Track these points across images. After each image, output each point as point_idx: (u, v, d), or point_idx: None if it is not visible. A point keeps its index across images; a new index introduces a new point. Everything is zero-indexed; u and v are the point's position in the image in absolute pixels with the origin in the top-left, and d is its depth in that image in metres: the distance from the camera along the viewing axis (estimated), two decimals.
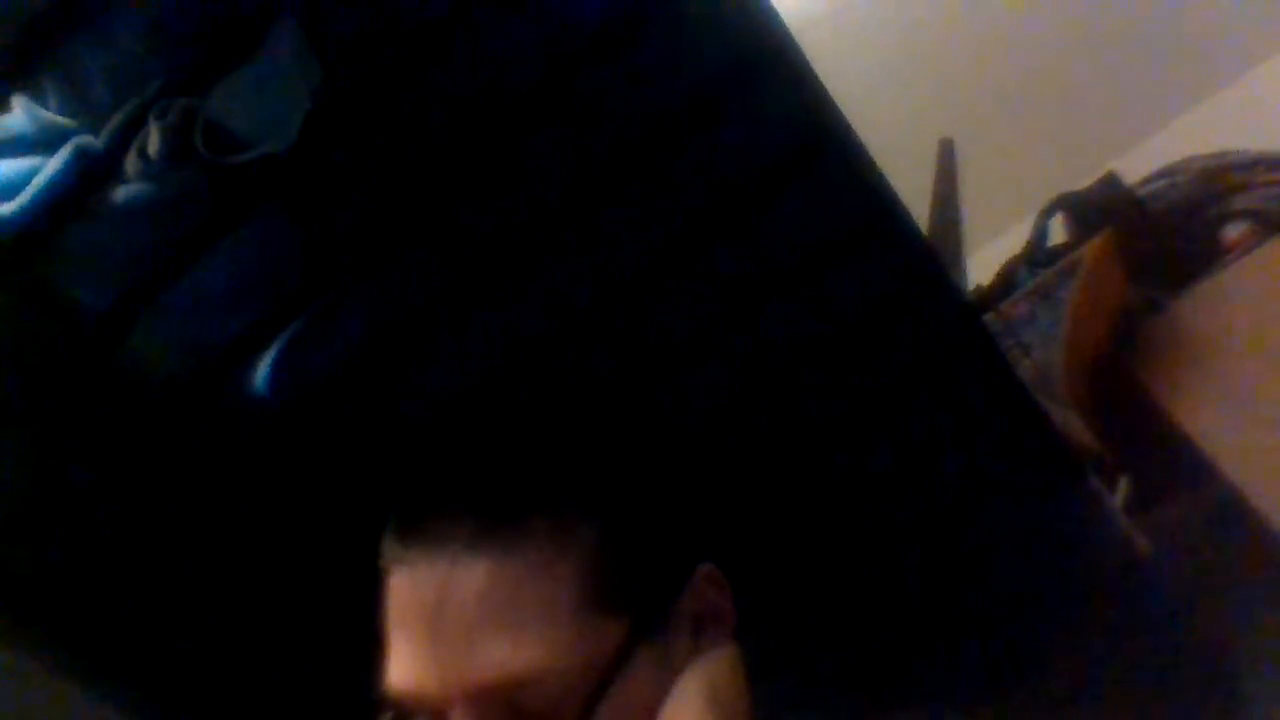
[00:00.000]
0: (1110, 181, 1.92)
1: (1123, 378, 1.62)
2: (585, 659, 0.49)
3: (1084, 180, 1.97)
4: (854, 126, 0.97)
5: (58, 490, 0.87)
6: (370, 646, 0.54)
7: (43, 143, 0.75)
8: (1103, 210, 1.84)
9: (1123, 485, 1.67)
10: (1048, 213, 1.94)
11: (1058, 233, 1.93)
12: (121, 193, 0.76)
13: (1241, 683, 1.35)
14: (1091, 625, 1.35)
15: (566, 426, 0.67)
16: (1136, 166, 1.96)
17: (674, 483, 0.63)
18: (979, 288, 1.90)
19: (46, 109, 0.75)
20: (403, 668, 0.52)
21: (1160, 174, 1.90)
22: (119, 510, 0.90)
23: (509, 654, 0.48)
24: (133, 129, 0.75)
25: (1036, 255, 1.86)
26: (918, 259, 1.10)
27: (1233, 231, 1.74)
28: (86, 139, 0.75)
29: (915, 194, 1.49)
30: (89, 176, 0.76)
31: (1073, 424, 1.58)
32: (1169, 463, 1.57)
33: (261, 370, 0.87)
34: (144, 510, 0.92)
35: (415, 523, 0.54)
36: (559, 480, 0.55)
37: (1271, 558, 1.39)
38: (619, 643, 0.50)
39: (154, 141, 0.73)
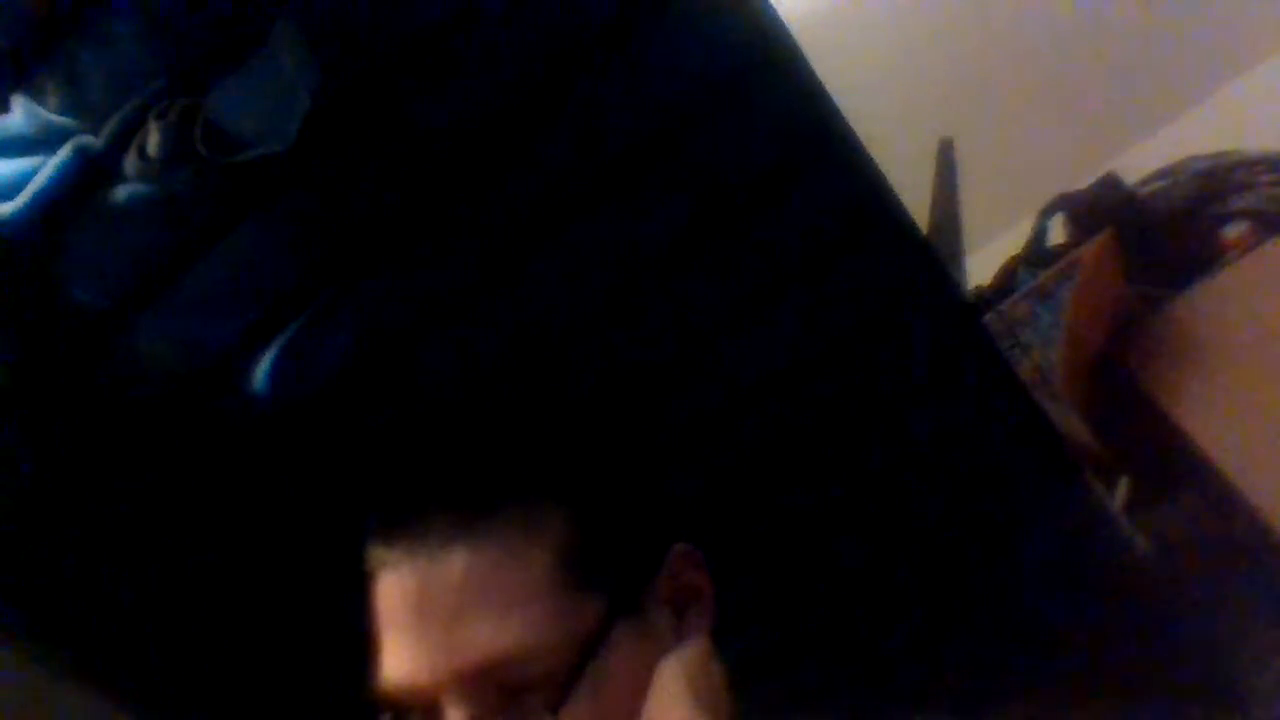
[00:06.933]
0: (1110, 181, 1.92)
1: (1122, 378, 1.62)
2: (566, 635, 0.51)
3: (1084, 180, 1.97)
4: (854, 126, 0.98)
5: (57, 489, 0.87)
6: (368, 647, 0.54)
7: (43, 143, 0.75)
8: (1103, 210, 1.84)
9: (1123, 485, 1.67)
10: (1048, 213, 1.94)
11: (1058, 233, 1.93)
12: (121, 193, 0.76)
13: (1241, 683, 1.36)
14: (1091, 625, 1.35)
15: (537, 419, 0.70)
16: (1136, 166, 1.96)
17: (644, 470, 0.64)
18: (979, 288, 1.90)
19: (46, 109, 0.75)
20: (393, 664, 0.53)
21: (1160, 174, 1.90)
22: (118, 510, 0.91)
23: (492, 634, 0.51)
24: (133, 129, 0.75)
25: (1036, 255, 1.86)
26: (918, 259, 1.10)
27: (1233, 231, 1.74)
28: (86, 139, 0.75)
29: (915, 194, 1.48)
30: (89, 176, 0.76)
31: (1073, 424, 1.58)
32: (1169, 463, 1.57)
33: (261, 370, 0.87)
34: (143, 509, 0.92)
35: (395, 524, 0.56)
36: (527, 471, 0.58)
37: (1271, 558, 1.40)
38: (597, 619, 0.53)
39: (154, 141, 0.73)
